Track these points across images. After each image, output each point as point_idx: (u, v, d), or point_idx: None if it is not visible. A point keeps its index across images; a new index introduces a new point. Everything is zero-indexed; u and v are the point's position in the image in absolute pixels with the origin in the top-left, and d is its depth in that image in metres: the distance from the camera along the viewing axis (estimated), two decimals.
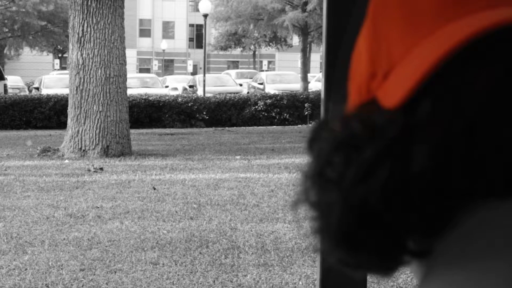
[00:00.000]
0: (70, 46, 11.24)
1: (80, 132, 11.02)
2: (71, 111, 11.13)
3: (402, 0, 0.50)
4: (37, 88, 28.23)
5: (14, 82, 33.66)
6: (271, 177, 9.10)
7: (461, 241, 0.48)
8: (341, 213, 0.49)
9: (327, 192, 0.50)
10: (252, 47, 47.67)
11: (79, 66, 11.01)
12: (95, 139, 10.97)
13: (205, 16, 30.25)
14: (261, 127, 18.51)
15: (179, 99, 18.97)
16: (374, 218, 0.49)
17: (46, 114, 17.98)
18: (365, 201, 0.48)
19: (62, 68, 50.13)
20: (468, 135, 0.46)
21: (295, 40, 45.80)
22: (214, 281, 4.76)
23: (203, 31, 30.87)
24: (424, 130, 0.47)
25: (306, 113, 19.11)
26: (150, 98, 18.78)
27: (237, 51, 50.93)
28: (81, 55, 10.99)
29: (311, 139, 0.52)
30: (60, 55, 53.10)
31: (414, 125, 0.47)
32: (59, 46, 46.25)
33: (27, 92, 31.06)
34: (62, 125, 14.82)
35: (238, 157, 11.19)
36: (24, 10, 38.88)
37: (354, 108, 0.52)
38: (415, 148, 0.47)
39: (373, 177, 0.48)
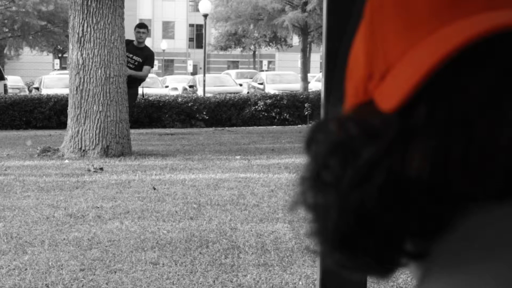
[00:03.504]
0: (70, 46, 11.24)
1: (80, 132, 11.01)
2: (71, 111, 11.13)
3: (398, 1, 0.49)
4: (37, 88, 28.23)
5: (14, 82, 33.68)
6: (271, 177, 9.10)
7: (459, 243, 0.48)
8: (338, 216, 0.50)
9: (324, 195, 0.51)
10: (252, 47, 47.70)
11: (79, 66, 11.01)
12: (95, 139, 10.97)
13: (205, 16, 30.27)
14: (261, 127, 18.51)
15: (179, 99, 18.97)
16: (371, 221, 0.49)
17: (46, 114, 17.97)
18: (361, 204, 0.48)
19: (62, 68, 50.14)
20: (465, 139, 0.46)
21: (295, 40, 45.81)
22: (214, 281, 4.76)
23: (203, 31, 30.87)
24: (420, 133, 0.47)
25: (306, 113, 19.11)
26: (150, 98, 18.79)
27: (237, 51, 50.97)
28: (81, 55, 10.99)
29: (308, 140, 0.52)
30: (60, 55, 53.12)
31: (410, 128, 0.47)
32: (59, 46, 46.26)
33: (27, 92, 31.06)
34: (62, 125, 14.82)
35: (238, 157, 11.19)
36: (24, 10, 38.88)
37: (351, 109, 0.52)
38: (412, 151, 0.47)
39: (370, 181, 0.48)
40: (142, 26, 12.23)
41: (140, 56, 11.86)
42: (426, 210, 0.48)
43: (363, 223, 0.49)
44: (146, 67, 11.94)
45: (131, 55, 11.63)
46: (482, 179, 0.46)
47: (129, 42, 11.67)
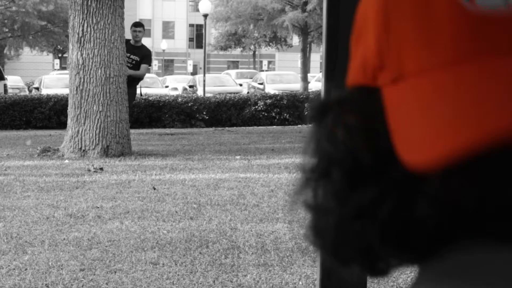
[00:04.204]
0: (70, 46, 11.24)
1: (80, 132, 11.01)
2: (71, 111, 11.13)
3: (419, 13, 0.48)
4: (37, 88, 28.23)
5: (14, 82, 33.67)
6: (271, 177, 9.10)
7: (447, 269, 0.49)
8: (335, 236, 0.50)
9: (324, 218, 0.51)
10: (252, 47, 47.71)
11: (79, 66, 11.01)
12: (95, 139, 10.97)
13: (205, 16, 30.26)
14: (261, 127, 18.50)
15: (179, 99, 18.97)
16: (368, 249, 0.50)
17: (46, 114, 17.97)
18: (362, 234, 0.49)
19: (62, 68, 50.13)
20: (473, 188, 0.46)
21: (295, 40, 45.82)
22: (214, 281, 4.76)
23: (203, 31, 30.87)
24: (431, 192, 0.47)
25: (306, 113, 19.09)
26: (150, 98, 18.78)
27: (237, 51, 50.96)
28: (81, 55, 10.99)
29: (312, 138, 0.52)
30: (60, 55, 53.11)
31: (420, 184, 0.47)
32: (59, 46, 46.27)
33: (27, 92, 31.06)
34: (62, 125, 14.81)
35: (238, 157, 11.19)
36: (24, 10, 38.87)
37: (358, 91, 0.51)
38: (421, 195, 0.47)
39: (374, 215, 0.48)
40: (138, 25, 12.21)
41: (138, 55, 11.85)
42: (425, 247, 0.49)
43: (357, 247, 0.50)
44: (143, 66, 11.93)
45: (128, 54, 11.61)
46: (485, 222, 0.47)
47: (126, 42, 11.66)
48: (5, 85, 22.47)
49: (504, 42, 0.45)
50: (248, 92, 28.51)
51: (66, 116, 11.61)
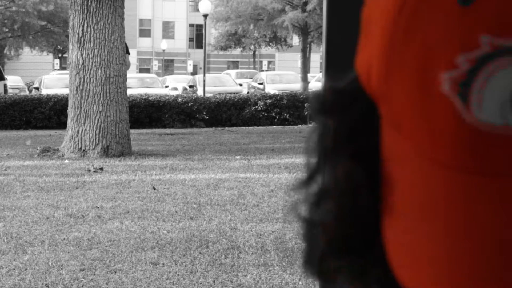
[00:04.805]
0: (70, 46, 11.24)
1: (80, 132, 11.02)
2: (71, 111, 11.13)
3: (415, 97, 0.43)
4: (37, 88, 28.24)
5: (14, 82, 33.67)
6: (271, 177, 9.10)
7: None
8: (320, 267, 0.51)
9: (314, 240, 0.51)
10: (252, 47, 47.71)
11: (79, 66, 11.01)
12: (95, 139, 10.97)
13: (205, 16, 30.26)
14: (261, 127, 18.50)
15: (179, 99, 18.97)
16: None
17: (46, 114, 17.97)
18: (344, 269, 0.50)
19: (62, 68, 50.12)
20: None
21: (295, 40, 45.83)
22: (214, 281, 4.76)
23: (203, 31, 30.87)
24: None
25: (306, 113, 19.11)
26: (150, 98, 18.78)
27: (237, 51, 50.96)
28: (81, 55, 10.99)
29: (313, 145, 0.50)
30: (60, 55, 53.11)
31: None
32: (59, 46, 46.28)
33: (27, 92, 31.05)
34: (62, 125, 14.82)
35: (238, 157, 11.19)
36: (24, 10, 38.90)
37: (359, 95, 0.48)
38: None
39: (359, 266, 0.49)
40: None
41: None
42: None
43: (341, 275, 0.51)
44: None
45: None
46: None
47: None
48: (5, 85, 22.46)
49: (505, 166, 0.42)
50: (248, 92, 28.52)
51: (66, 116, 11.61)
